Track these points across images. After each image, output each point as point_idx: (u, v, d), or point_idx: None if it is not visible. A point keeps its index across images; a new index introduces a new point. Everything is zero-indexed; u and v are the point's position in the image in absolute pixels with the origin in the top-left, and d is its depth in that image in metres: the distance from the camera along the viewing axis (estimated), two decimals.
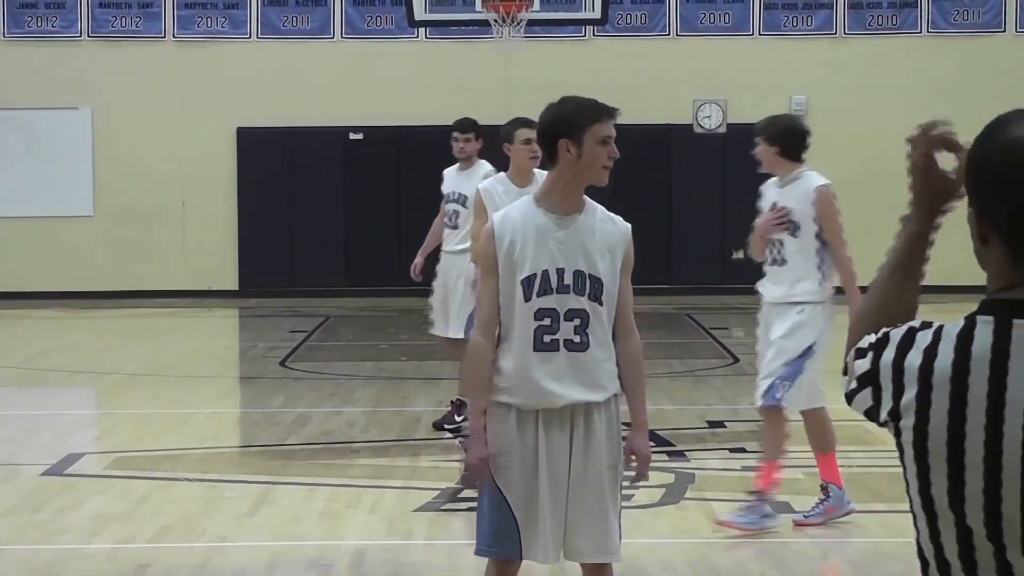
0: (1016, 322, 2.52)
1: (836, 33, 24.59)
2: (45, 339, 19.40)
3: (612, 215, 5.80)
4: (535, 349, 5.63)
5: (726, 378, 15.19)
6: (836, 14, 24.58)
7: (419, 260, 12.45)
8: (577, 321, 5.64)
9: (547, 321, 5.63)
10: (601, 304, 5.65)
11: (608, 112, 5.70)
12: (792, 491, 9.68)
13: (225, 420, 13.29)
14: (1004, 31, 24.53)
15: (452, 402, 11.97)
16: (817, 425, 8.91)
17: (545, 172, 5.95)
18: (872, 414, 2.67)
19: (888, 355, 2.62)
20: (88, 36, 24.45)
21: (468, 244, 11.84)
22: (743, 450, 11.14)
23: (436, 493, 9.70)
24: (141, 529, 8.81)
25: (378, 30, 24.47)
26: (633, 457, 5.79)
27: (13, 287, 23.90)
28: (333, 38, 24.54)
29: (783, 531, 8.73)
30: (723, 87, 24.49)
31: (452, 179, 12.35)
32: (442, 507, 9.33)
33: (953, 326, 2.57)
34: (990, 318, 2.55)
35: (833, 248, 8.73)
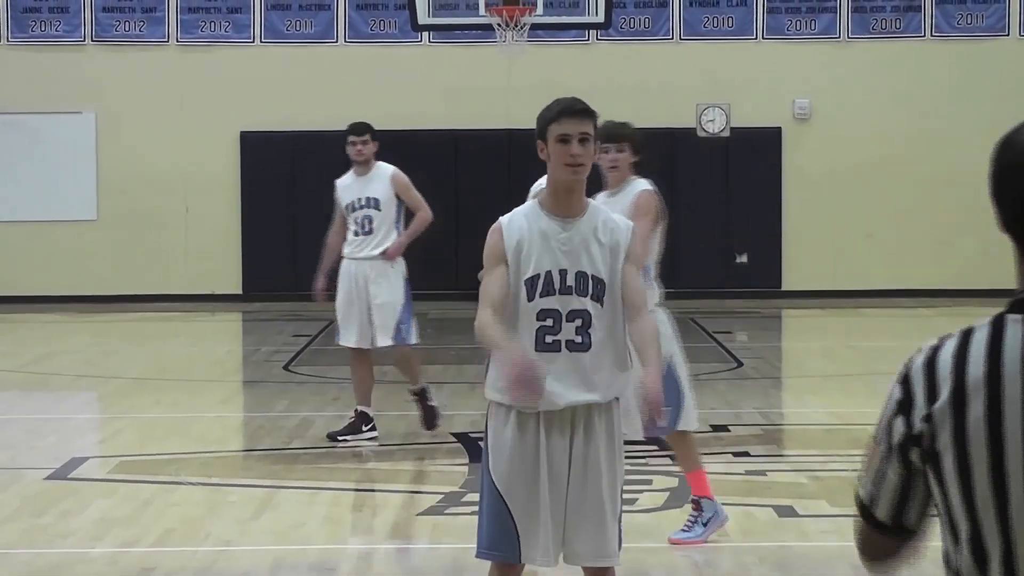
0: None
1: (839, 37, 24.58)
2: (49, 343, 19.41)
3: (615, 216, 5.84)
4: (537, 349, 5.64)
5: (730, 382, 15.18)
6: (839, 18, 24.57)
7: (321, 282, 12.01)
8: (579, 322, 5.65)
9: (549, 321, 5.65)
10: (603, 304, 5.66)
11: (566, 110, 5.70)
12: (796, 495, 9.68)
13: (228, 424, 13.29)
14: (1008, 34, 24.51)
15: (356, 412, 11.80)
16: (687, 443, 8.49)
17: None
18: (906, 440, 2.65)
19: (919, 361, 2.64)
20: (92, 40, 24.47)
21: (384, 248, 11.76)
22: (747, 454, 11.13)
23: (440, 497, 9.70)
24: (145, 533, 8.81)
25: (381, 34, 24.47)
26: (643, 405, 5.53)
27: (17, 291, 23.91)
28: (336, 42, 24.55)
29: (786, 535, 8.73)
30: (726, 91, 24.49)
31: (352, 186, 11.98)
32: (446, 511, 9.32)
33: (981, 326, 2.59)
34: (1019, 316, 2.59)
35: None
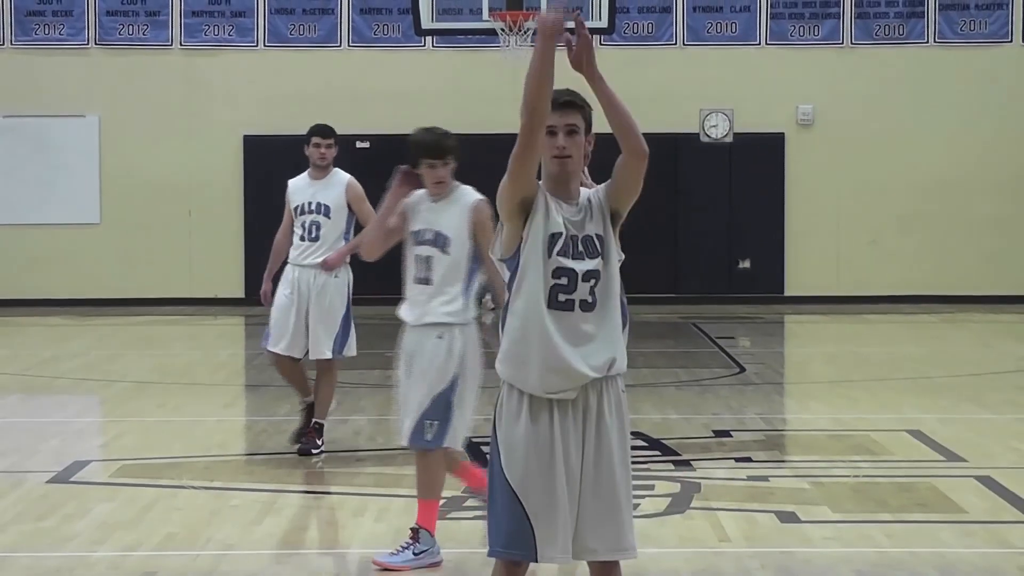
0: None
1: (843, 43, 24.59)
2: (51, 347, 19.41)
3: (591, 189, 5.89)
4: (549, 307, 5.63)
5: (732, 388, 15.17)
6: (843, 24, 24.58)
7: (268, 286, 11.77)
8: (593, 282, 5.67)
9: (564, 280, 5.65)
10: (606, 261, 5.70)
11: (551, 103, 5.72)
12: (799, 501, 9.67)
13: (231, 428, 13.29)
14: (1011, 41, 24.51)
15: (314, 424, 11.57)
16: (439, 467, 8.25)
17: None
18: None
19: None
20: (95, 44, 24.49)
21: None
22: (749, 460, 11.12)
23: (442, 502, 9.69)
24: (147, 537, 8.81)
25: (385, 39, 24.49)
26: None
27: (19, 294, 23.93)
28: (340, 47, 24.57)
29: (789, 541, 8.72)
30: (730, 96, 24.50)
31: (305, 189, 11.87)
32: (448, 516, 9.31)
33: None
34: None
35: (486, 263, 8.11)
